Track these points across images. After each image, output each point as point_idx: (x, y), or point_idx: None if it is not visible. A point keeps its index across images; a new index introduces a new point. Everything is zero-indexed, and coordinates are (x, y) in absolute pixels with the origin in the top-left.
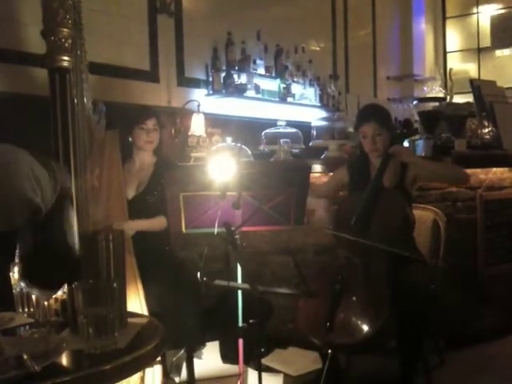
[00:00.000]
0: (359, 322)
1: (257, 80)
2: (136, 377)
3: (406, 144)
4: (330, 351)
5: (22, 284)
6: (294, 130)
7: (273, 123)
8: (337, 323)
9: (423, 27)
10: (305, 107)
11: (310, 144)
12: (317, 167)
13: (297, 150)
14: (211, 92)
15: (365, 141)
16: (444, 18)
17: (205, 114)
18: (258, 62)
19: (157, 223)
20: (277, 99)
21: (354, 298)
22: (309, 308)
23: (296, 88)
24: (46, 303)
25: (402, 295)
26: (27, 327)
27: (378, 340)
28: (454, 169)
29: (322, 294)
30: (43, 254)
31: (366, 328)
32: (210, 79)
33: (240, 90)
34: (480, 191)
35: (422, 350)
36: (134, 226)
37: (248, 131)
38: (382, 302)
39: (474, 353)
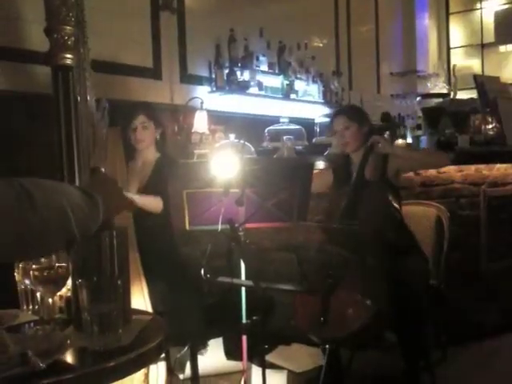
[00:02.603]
0: (353, 313)
1: (260, 77)
2: (140, 374)
3: (409, 140)
4: (327, 346)
5: (27, 281)
6: (297, 126)
7: (276, 120)
8: (331, 318)
9: (426, 23)
10: (308, 104)
11: (314, 141)
12: (320, 164)
13: (300, 147)
14: (214, 89)
15: (336, 137)
16: (447, 14)
17: (208, 110)
18: (261, 58)
19: (153, 203)
20: (280, 96)
21: (347, 292)
22: (305, 305)
23: (299, 84)
24: (50, 300)
25: (397, 286)
26: (32, 324)
27: (373, 330)
28: (434, 154)
29: (320, 291)
30: None
31: (359, 318)
32: (213, 76)
33: (243, 87)
34: (483, 187)
35: (424, 346)
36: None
37: (251, 128)
38: (375, 292)
39: (477, 348)
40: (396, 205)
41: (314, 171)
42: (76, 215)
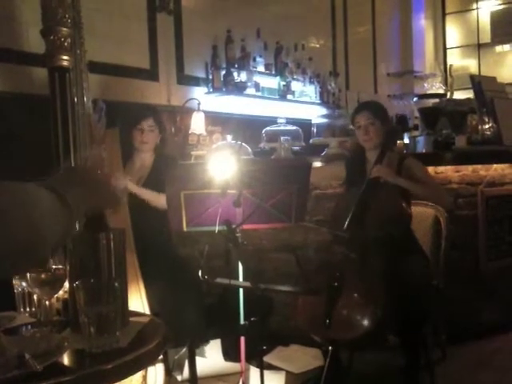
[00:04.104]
0: (358, 317)
1: (257, 78)
2: (138, 375)
3: (406, 140)
4: (330, 348)
5: (24, 283)
6: (294, 127)
7: (273, 121)
8: (336, 319)
9: (423, 23)
10: (305, 104)
11: (311, 141)
12: (317, 164)
13: (297, 148)
14: (211, 90)
15: (359, 131)
16: (444, 14)
17: (205, 112)
18: (258, 59)
19: (157, 197)
20: (277, 97)
21: (353, 294)
22: (308, 305)
23: (296, 85)
24: (47, 302)
25: (400, 289)
26: (29, 326)
27: (378, 334)
28: (439, 194)
29: (320, 291)
30: None
31: (365, 323)
32: (210, 77)
33: (240, 88)
34: (481, 187)
35: (424, 345)
36: (136, 190)
37: (248, 129)
38: (380, 296)
39: (476, 347)
40: (408, 209)
41: (326, 164)
42: (49, 229)
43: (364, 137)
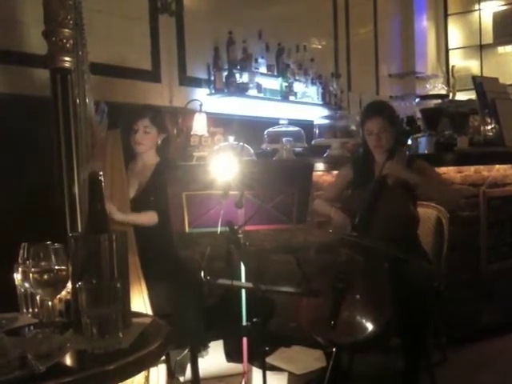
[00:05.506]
0: (363, 320)
1: (259, 79)
2: (140, 376)
3: (408, 142)
4: (334, 349)
5: (26, 284)
6: (296, 128)
7: (275, 122)
8: (340, 321)
9: (425, 24)
10: (307, 106)
11: (313, 142)
12: (319, 166)
13: (299, 149)
14: (213, 91)
15: (370, 137)
16: (446, 15)
17: (207, 113)
18: (260, 60)
19: (145, 218)
20: (279, 98)
21: (357, 296)
22: (312, 306)
23: (298, 86)
24: (49, 303)
25: (403, 291)
26: (31, 327)
27: (382, 338)
28: (449, 189)
29: (324, 292)
30: None
31: (370, 326)
32: (212, 78)
33: (242, 89)
34: (483, 188)
35: (424, 347)
36: (120, 218)
37: (250, 130)
38: (385, 299)
39: (476, 349)
40: (415, 212)
41: (335, 171)
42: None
43: (375, 143)
